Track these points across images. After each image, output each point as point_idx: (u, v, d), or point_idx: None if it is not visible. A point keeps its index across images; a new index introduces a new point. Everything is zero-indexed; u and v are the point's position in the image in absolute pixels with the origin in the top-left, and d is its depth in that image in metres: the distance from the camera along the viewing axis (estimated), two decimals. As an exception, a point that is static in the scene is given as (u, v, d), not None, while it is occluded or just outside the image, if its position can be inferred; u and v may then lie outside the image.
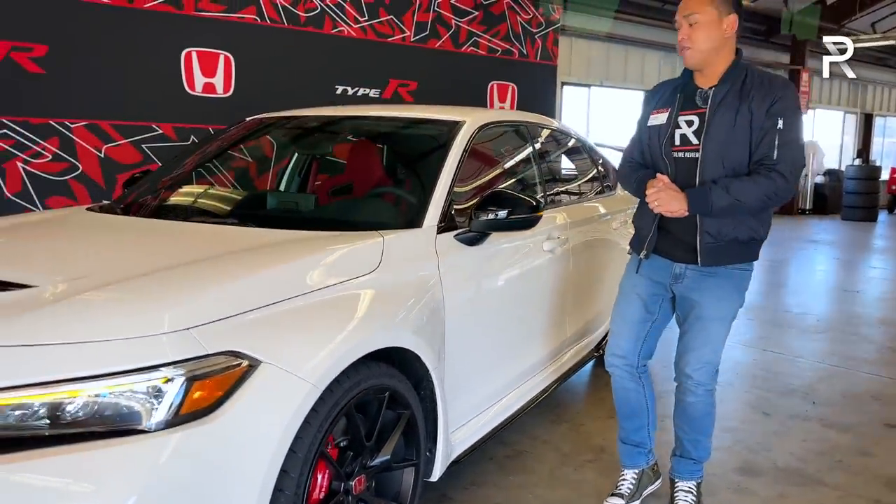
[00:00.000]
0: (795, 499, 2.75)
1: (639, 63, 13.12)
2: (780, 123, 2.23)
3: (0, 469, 1.44)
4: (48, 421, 1.52)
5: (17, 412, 1.51)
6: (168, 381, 1.57)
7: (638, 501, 2.66)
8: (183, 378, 1.58)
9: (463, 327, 2.49)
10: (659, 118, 2.43)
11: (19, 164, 6.13)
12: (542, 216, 2.64)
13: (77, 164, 6.38)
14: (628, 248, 2.64)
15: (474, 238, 2.58)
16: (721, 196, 2.24)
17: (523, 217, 2.56)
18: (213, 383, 1.62)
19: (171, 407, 1.56)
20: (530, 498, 2.68)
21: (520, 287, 2.92)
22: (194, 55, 6.86)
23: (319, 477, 1.90)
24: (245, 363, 1.67)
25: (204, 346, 1.63)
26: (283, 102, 7.29)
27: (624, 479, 2.68)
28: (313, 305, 1.92)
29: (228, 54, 7.06)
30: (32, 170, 6.22)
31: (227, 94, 7.08)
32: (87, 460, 1.47)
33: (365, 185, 3.05)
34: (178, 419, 1.56)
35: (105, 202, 3.01)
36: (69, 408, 1.53)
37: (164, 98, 6.73)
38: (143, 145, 6.70)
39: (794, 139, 2.25)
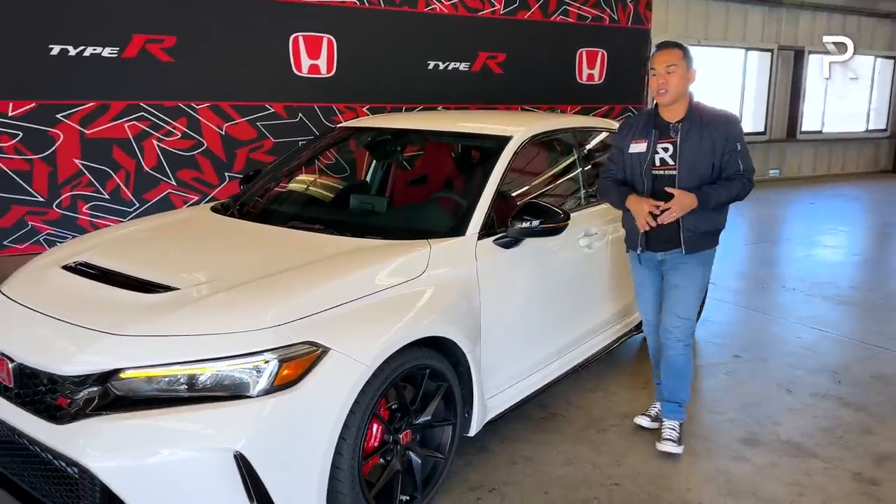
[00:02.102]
0: (784, 468, 3.22)
1: (740, 20, 12.84)
2: (738, 146, 3.13)
3: (156, 418, 2.19)
4: (186, 387, 2.25)
5: (166, 380, 2.25)
6: (266, 362, 2.28)
7: (658, 424, 3.48)
8: (276, 360, 2.29)
9: (497, 317, 3.09)
10: (639, 147, 3.17)
11: (154, 142, 7.12)
12: (567, 225, 3.17)
13: (202, 140, 7.31)
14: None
15: (511, 242, 3.16)
16: (718, 193, 3.11)
17: (553, 226, 3.11)
18: (296, 364, 2.32)
19: (268, 380, 2.27)
20: (554, 453, 3.29)
21: (554, 279, 3.48)
22: (301, 39, 7.59)
23: (375, 430, 2.59)
24: (319, 350, 2.36)
25: (290, 337, 2.33)
26: (380, 81, 7.97)
27: (654, 407, 3.58)
28: (372, 304, 2.58)
29: (331, 37, 7.74)
30: (165, 147, 7.19)
31: (330, 74, 7.78)
32: (213, 415, 2.21)
33: (424, 194, 3.66)
34: (273, 388, 2.27)
35: (223, 201, 3.75)
36: (201, 379, 2.25)
37: (275, 80, 7.51)
38: (257, 123, 7.55)
39: (747, 154, 3.16)
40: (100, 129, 6.81)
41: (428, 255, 2.86)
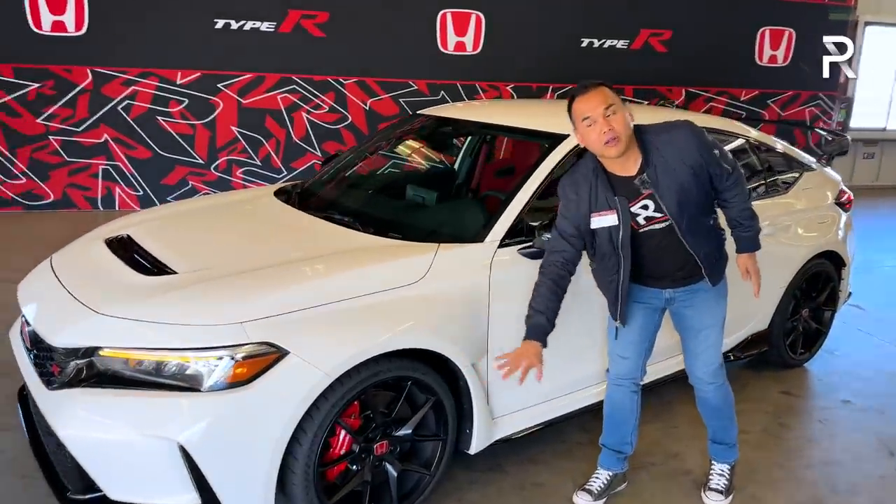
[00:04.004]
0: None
1: None
2: (716, 152, 2.58)
3: (120, 397, 2.31)
4: (154, 373, 2.34)
5: (137, 363, 2.36)
6: (219, 359, 2.30)
7: (603, 500, 2.94)
8: (229, 358, 2.31)
9: (511, 333, 2.87)
10: (606, 220, 2.56)
11: (304, 115, 7.49)
12: (600, 240, 2.84)
13: (347, 115, 7.58)
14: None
15: (537, 253, 2.90)
16: (752, 221, 2.75)
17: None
18: (251, 364, 2.32)
19: (219, 377, 2.30)
20: (570, 485, 3.03)
21: (587, 300, 3.13)
22: (449, 16, 7.54)
23: (342, 437, 2.54)
24: (277, 352, 2.34)
25: (249, 336, 2.33)
26: (527, 59, 7.72)
27: (597, 478, 2.97)
28: (352, 308, 2.50)
29: (480, 14, 7.62)
30: (314, 119, 7.55)
31: (476, 51, 7.68)
32: (162, 403, 2.28)
33: (462, 192, 3.47)
34: (223, 386, 2.30)
35: (288, 185, 3.84)
36: (168, 366, 2.33)
37: (420, 57, 7.57)
38: (400, 100, 7.68)
39: (725, 153, 2.65)
40: (255, 99, 7.31)
41: (431, 260, 2.72)
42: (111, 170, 7.16)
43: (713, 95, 8.36)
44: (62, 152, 6.99)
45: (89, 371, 2.40)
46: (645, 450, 3.32)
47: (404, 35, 7.44)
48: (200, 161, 7.33)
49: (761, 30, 8.42)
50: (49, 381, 2.48)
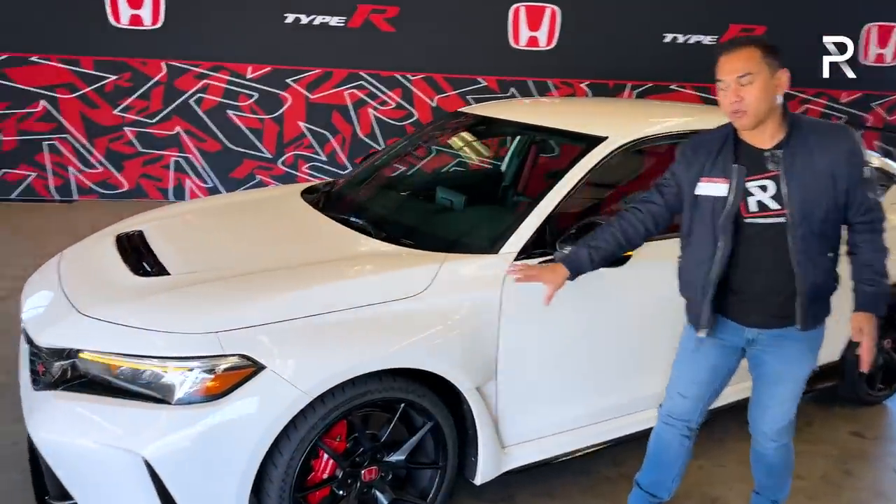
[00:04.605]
0: None
1: None
2: (865, 172, 2.17)
3: (93, 404, 2.20)
4: (129, 380, 2.21)
5: (113, 369, 2.24)
6: (189, 370, 2.16)
7: None
8: (200, 370, 2.16)
9: (524, 356, 2.61)
10: (714, 188, 2.21)
11: (370, 111, 7.39)
12: (629, 256, 2.54)
13: (413, 111, 7.43)
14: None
15: (559, 268, 2.61)
16: (881, 272, 2.22)
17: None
18: (224, 378, 2.17)
19: (189, 389, 2.16)
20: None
21: (616, 324, 2.81)
22: (522, 10, 7.25)
23: (325, 460, 2.35)
24: (252, 366, 2.18)
25: (223, 347, 2.18)
26: (604, 55, 7.31)
27: None
28: (339, 321, 2.31)
29: (555, 7, 7.29)
30: (380, 115, 7.44)
31: (549, 47, 7.36)
32: (130, 415, 2.15)
33: (485, 197, 3.19)
34: (193, 399, 2.15)
35: (315, 184, 3.68)
36: (144, 374, 2.20)
37: (489, 52, 7.32)
38: (467, 96, 7.45)
39: (874, 181, 2.24)
40: (322, 94, 7.26)
41: (435, 272, 2.49)
42: (182, 161, 7.28)
43: (810, 97, 7.69)
44: (136, 143, 7.16)
45: (73, 374, 2.31)
46: (681, 490, 2.94)
47: (474, 29, 7.21)
48: (268, 155, 7.36)
49: (866, 26, 7.67)
50: (35, 380, 2.41)
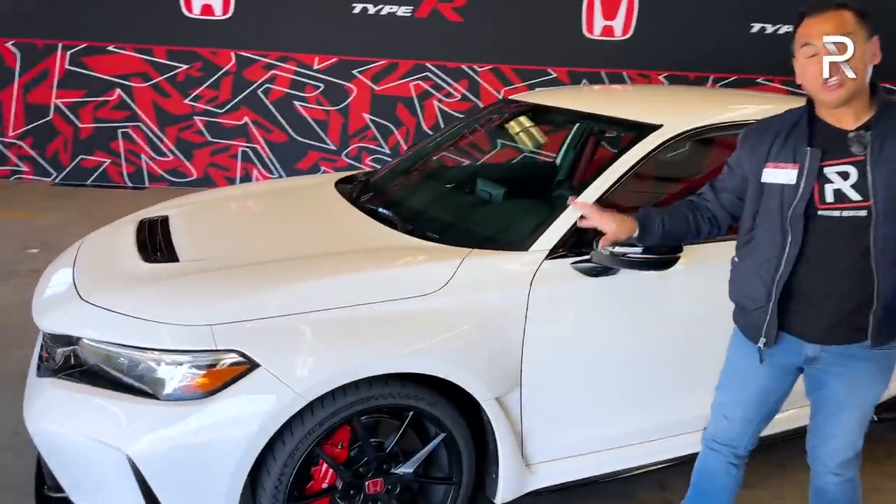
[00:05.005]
0: None
1: None
2: None
3: (85, 394, 2.08)
4: (124, 371, 2.09)
5: (109, 358, 2.13)
6: (179, 364, 2.01)
7: None
8: (189, 364, 2.01)
9: (553, 365, 2.35)
10: (782, 175, 1.88)
11: (435, 103, 7.21)
12: (677, 258, 2.24)
13: (479, 104, 7.19)
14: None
15: (598, 269, 2.34)
16: None
17: (655, 257, 2.22)
18: (215, 374, 2.01)
19: (178, 384, 2.01)
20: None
21: (660, 331, 2.51)
22: (597, -2, 6.89)
23: (324, 469, 2.16)
24: (246, 364, 2.01)
25: (216, 341, 2.02)
26: (686, 45, 6.85)
27: None
28: (340, 321, 2.11)
29: (633, -6, 6.89)
30: (444, 107, 7.25)
31: (626, 36, 6.99)
32: (117, 409, 2.02)
33: (524, 188, 2.93)
34: (182, 396, 2.01)
35: (351, 174, 3.51)
36: (139, 367, 2.06)
37: (561, 42, 7.00)
38: (536, 89, 7.14)
39: None
40: (388, 86, 7.13)
41: (455, 268, 2.26)
42: (249, 152, 7.30)
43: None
44: (205, 132, 7.23)
45: (74, 362, 2.21)
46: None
47: (545, 18, 6.90)
48: (332, 147, 7.29)
49: None
50: (39, 366, 2.33)
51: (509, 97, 3.59)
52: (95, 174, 7.29)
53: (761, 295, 1.95)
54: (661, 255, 2.22)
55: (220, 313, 2.06)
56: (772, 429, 2.34)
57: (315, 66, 7.07)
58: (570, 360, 2.39)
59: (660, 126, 2.57)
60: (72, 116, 7.15)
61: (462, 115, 7.13)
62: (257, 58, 7.02)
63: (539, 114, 3.31)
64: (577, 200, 2.28)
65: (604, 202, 2.39)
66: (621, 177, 2.46)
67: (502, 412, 2.28)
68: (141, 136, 7.21)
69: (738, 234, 2.06)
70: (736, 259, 2.08)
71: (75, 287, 2.34)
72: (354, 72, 7.06)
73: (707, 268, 2.36)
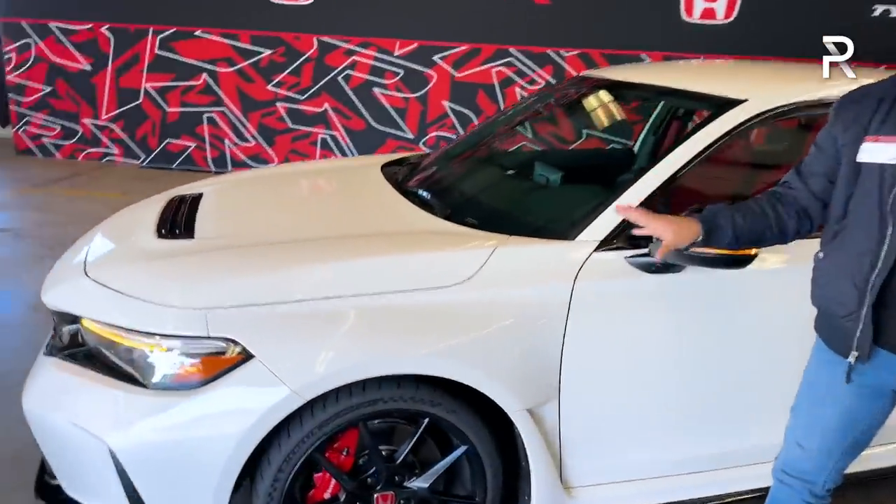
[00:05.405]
0: None
1: None
2: None
3: (78, 378, 1.92)
4: (118, 354, 1.92)
5: (102, 339, 1.95)
6: (168, 350, 1.82)
7: None
8: (180, 352, 1.81)
9: (600, 372, 2.01)
10: (883, 151, 1.50)
11: (517, 90, 6.88)
12: (754, 255, 1.86)
13: (564, 91, 6.77)
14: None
15: (654, 266, 1.99)
16: None
17: (727, 254, 1.85)
18: (205, 363, 1.81)
19: (165, 372, 1.82)
20: None
21: (728, 342, 2.10)
22: (698, -23, 6.38)
23: (327, 476, 1.92)
24: (238, 354, 1.79)
25: (209, 327, 1.81)
26: (796, 28, 6.21)
27: None
28: (349, 311, 1.86)
29: (738, -27, 6.33)
30: (528, 95, 6.88)
31: (728, 19, 6.44)
32: (102, 396, 1.85)
33: (586, 175, 2.57)
34: (169, 385, 1.81)
35: (418, 155, 3.23)
36: (135, 353, 1.89)
37: (657, 27, 6.52)
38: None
39: None
40: (469, 72, 6.86)
41: (484, 257, 1.96)
42: (329, 139, 7.21)
43: None
44: (287, 119, 7.18)
45: (80, 341, 2.06)
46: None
47: (640, 3, 6.43)
48: (410, 136, 7.09)
49: None
50: (48, 343, 2.21)
51: (581, 73, 3.25)
52: (181, 158, 7.39)
53: (852, 299, 1.56)
54: (734, 252, 1.85)
55: (215, 296, 1.85)
56: (862, 464, 1.92)
57: (395, 52, 6.88)
58: (619, 369, 2.04)
59: (742, 101, 2.18)
60: (160, 101, 7.27)
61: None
62: (339, 43, 6.90)
63: (605, 89, 2.95)
64: (621, 205, 1.94)
65: (668, 193, 2.03)
66: (688, 163, 2.08)
67: (535, 426, 1.97)
68: (225, 121, 7.25)
69: (825, 225, 1.67)
70: (821, 255, 1.68)
71: (84, 262, 2.20)
72: (435, 58, 6.82)
73: (796, 268, 1.96)
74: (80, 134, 7.46)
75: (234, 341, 1.80)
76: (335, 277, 1.90)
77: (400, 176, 2.85)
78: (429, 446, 2.01)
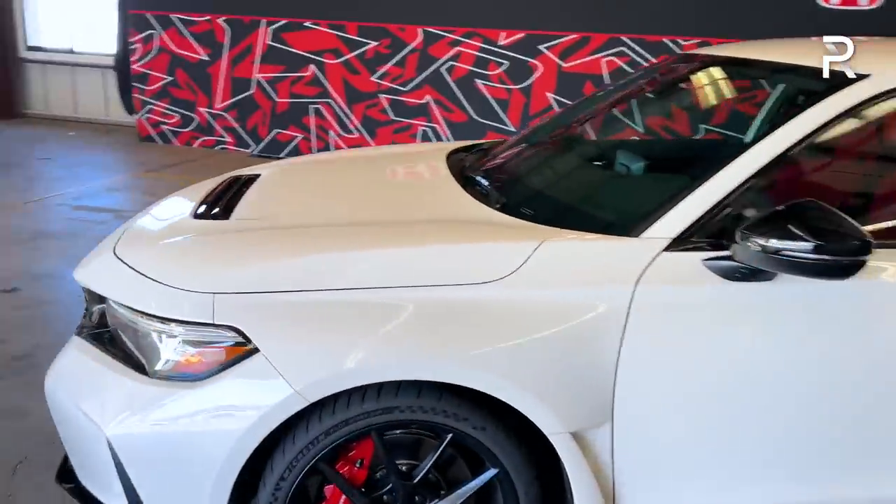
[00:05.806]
0: None
1: None
2: None
3: (92, 360, 1.81)
4: (133, 338, 1.80)
5: (118, 319, 1.84)
6: (172, 337, 1.67)
7: None
8: (182, 340, 1.66)
9: (664, 396, 1.68)
10: None
11: (628, 82, 6.42)
12: (864, 262, 1.48)
13: (681, 83, 6.27)
14: None
15: (742, 271, 1.64)
16: None
17: (830, 259, 1.49)
18: (208, 354, 1.64)
19: (167, 361, 1.67)
20: None
21: (841, 369, 1.70)
22: (839, -42, 5.73)
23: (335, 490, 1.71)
24: (245, 345, 1.62)
25: (215, 314, 1.64)
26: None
27: None
28: (365, 305, 1.64)
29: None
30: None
31: (873, 5, 5.74)
32: (105, 381, 1.74)
33: (675, 164, 2.19)
34: (170, 374, 1.66)
35: (469, 144, 2.97)
36: (148, 337, 1.77)
37: (789, 12, 5.94)
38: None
39: None
40: (576, 62, 6.52)
41: (528, 252, 1.68)
42: (429, 131, 7.06)
43: None
44: (389, 111, 7.10)
45: (106, 323, 1.96)
46: None
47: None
48: (512, 129, 6.80)
49: None
50: (80, 322, 2.13)
51: (688, 52, 2.88)
52: (288, 148, 7.48)
53: None
54: (838, 256, 1.49)
55: (226, 280, 1.69)
56: None
57: (500, 42, 6.63)
58: (688, 392, 1.69)
59: (865, 76, 1.78)
60: (270, 91, 7.38)
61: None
62: (443, 34, 6.73)
63: (720, 69, 2.58)
64: None
65: (772, 181, 1.68)
66: (795, 145, 1.71)
67: (581, 452, 1.67)
68: (330, 112, 7.26)
69: None
70: None
71: (117, 240, 2.10)
72: (541, 47, 6.51)
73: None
74: (196, 122, 7.71)
75: (239, 331, 1.62)
76: (349, 268, 1.69)
77: (466, 163, 2.60)
78: (459, 465, 1.76)
